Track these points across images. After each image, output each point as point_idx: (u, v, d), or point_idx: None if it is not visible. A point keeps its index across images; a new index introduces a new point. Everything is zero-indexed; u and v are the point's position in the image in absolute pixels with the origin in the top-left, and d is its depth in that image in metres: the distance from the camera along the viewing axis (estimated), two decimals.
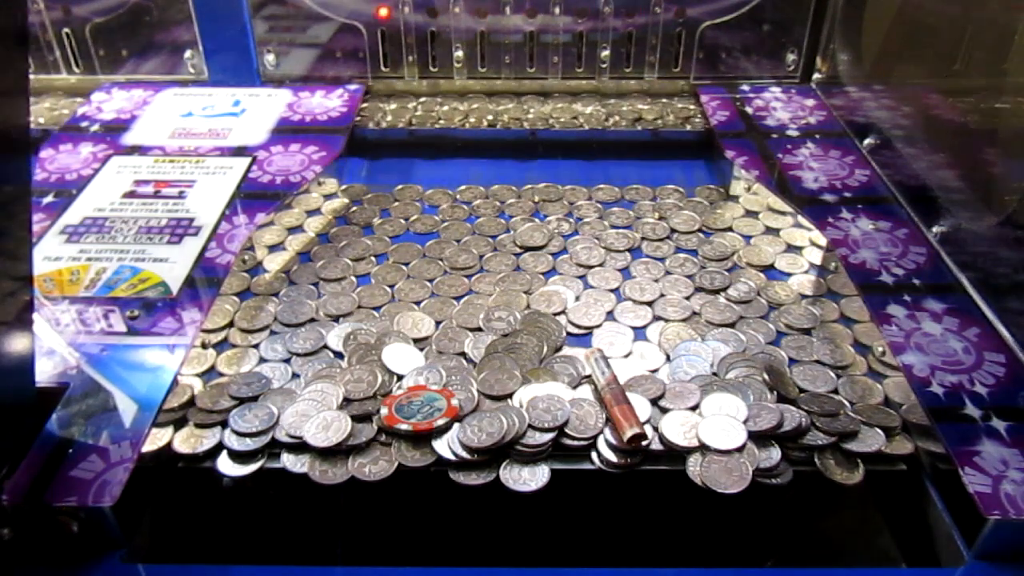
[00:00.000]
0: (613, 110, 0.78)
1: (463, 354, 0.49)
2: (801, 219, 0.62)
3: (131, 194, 0.63)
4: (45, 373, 0.45)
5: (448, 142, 0.75)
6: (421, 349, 0.49)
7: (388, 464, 0.42)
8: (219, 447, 0.43)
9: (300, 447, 0.42)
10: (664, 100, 0.80)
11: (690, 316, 0.53)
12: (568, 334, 0.51)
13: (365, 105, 0.79)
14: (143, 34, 0.81)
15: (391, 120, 0.77)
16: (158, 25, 0.80)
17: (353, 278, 0.57)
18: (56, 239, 0.57)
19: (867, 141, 0.70)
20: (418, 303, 0.54)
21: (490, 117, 0.77)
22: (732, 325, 0.52)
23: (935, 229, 0.58)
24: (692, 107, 0.79)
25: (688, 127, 0.76)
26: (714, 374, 0.48)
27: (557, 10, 0.78)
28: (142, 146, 0.70)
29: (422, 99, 0.81)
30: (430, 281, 0.56)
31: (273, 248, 0.61)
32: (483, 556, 0.43)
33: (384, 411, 0.43)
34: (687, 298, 0.55)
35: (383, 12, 0.78)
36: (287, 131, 0.72)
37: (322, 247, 0.60)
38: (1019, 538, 0.38)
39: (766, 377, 0.46)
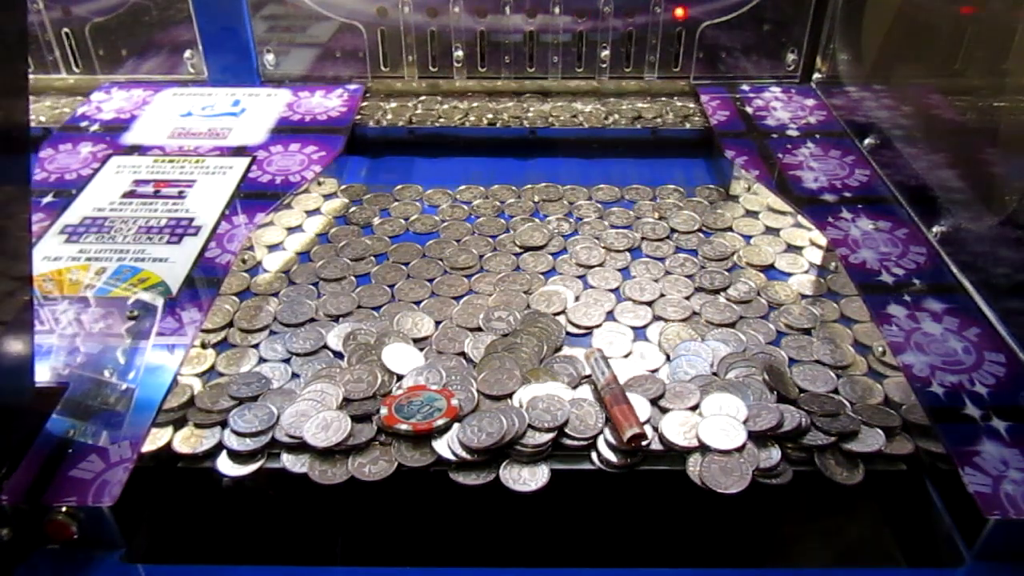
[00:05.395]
0: (613, 108, 0.78)
1: (463, 354, 0.49)
2: (801, 219, 0.62)
3: (131, 194, 0.63)
4: (45, 373, 0.45)
5: (448, 140, 0.75)
6: (421, 349, 0.49)
7: (388, 464, 0.42)
8: (219, 447, 0.43)
9: (300, 447, 0.42)
10: (664, 99, 0.80)
11: (690, 316, 0.53)
12: (568, 334, 0.51)
13: (365, 104, 0.79)
14: (143, 34, 0.81)
15: (391, 119, 0.77)
16: (158, 25, 0.80)
17: (353, 278, 0.57)
18: (56, 239, 0.57)
19: (867, 141, 0.70)
20: (418, 303, 0.54)
21: (490, 116, 0.77)
22: (732, 325, 0.52)
23: (935, 229, 0.58)
24: (692, 105, 0.79)
25: (688, 125, 0.76)
26: (714, 374, 0.47)
27: (557, 10, 0.78)
28: (142, 146, 0.70)
29: (422, 97, 0.81)
30: (430, 281, 0.56)
31: (273, 248, 0.61)
32: (483, 556, 0.43)
33: (384, 411, 0.43)
34: (687, 298, 0.54)
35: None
36: (287, 131, 0.72)
37: (322, 247, 0.60)
38: (1019, 538, 0.38)
39: (766, 377, 0.46)
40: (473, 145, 0.75)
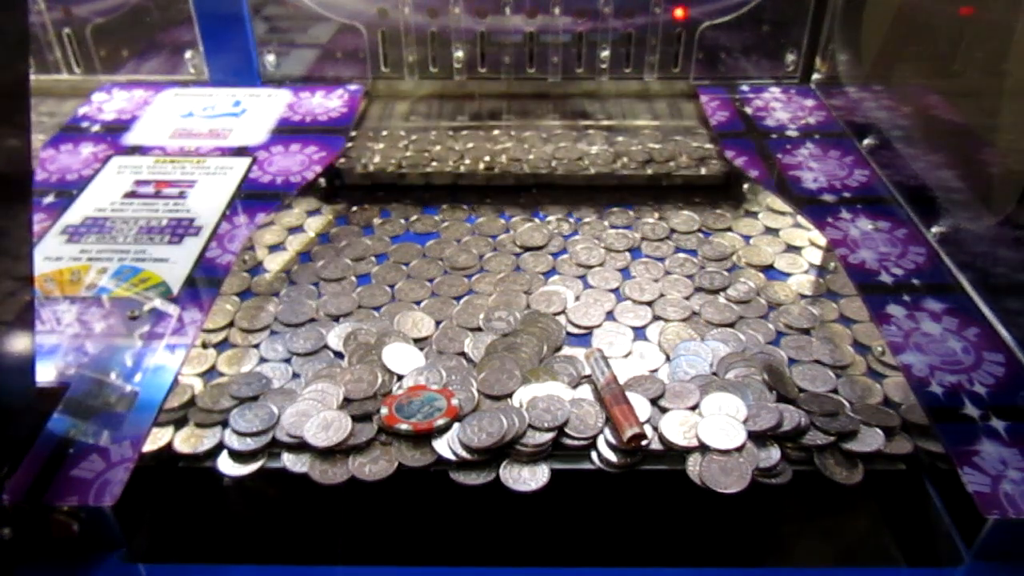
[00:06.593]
0: (622, 149, 0.71)
1: (463, 354, 0.49)
2: (800, 219, 0.62)
3: (132, 194, 0.63)
4: (45, 373, 0.45)
5: (441, 186, 0.69)
6: (421, 349, 0.49)
7: (388, 464, 0.42)
8: (219, 447, 0.43)
9: (300, 447, 0.42)
10: (678, 138, 0.73)
11: (690, 316, 0.53)
12: (568, 334, 0.51)
13: (351, 145, 0.72)
14: (143, 34, 0.81)
15: (379, 162, 0.69)
16: (158, 25, 0.80)
17: (353, 278, 0.57)
18: (57, 239, 0.57)
19: (866, 141, 0.70)
20: (418, 303, 0.54)
21: (487, 158, 0.70)
22: (732, 325, 0.52)
23: (934, 229, 0.58)
24: (708, 146, 0.72)
25: (704, 171, 0.68)
26: (714, 374, 0.48)
27: (557, 10, 0.79)
28: (143, 146, 0.70)
29: (413, 137, 0.73)
30: (430, 281, 0.56)
31: (273, 248, 0.61)
32: (483, 556, 0.43)
33: (384, 411, 0.43)
34: (687, 298, 0.55)
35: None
36: (287, 131, 0.72)
37: (322, 247, 0.60)
38: (1018, 538, 0.38)
39: (766, 377, 0.46)
40: (469, 191, 0.68)
